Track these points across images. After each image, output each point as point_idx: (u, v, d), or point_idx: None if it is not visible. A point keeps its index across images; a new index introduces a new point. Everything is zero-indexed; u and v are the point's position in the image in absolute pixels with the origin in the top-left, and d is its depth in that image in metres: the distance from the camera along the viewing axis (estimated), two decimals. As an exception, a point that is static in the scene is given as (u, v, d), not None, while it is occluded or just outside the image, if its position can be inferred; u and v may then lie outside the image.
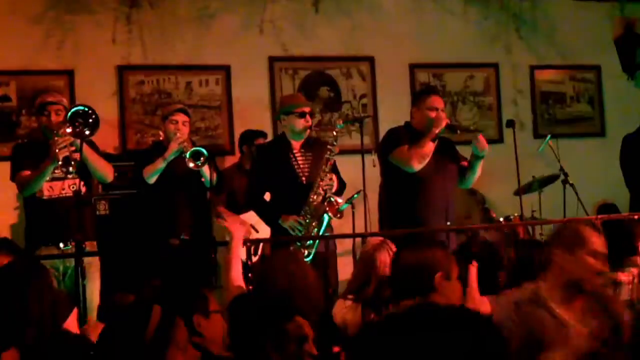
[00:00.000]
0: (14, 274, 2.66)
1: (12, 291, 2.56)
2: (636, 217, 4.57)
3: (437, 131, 4.61)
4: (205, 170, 4.80)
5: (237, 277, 3.31)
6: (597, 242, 2.89)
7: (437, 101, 4.79)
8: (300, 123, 4.79)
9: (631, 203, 5.85)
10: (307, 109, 4.83)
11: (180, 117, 5.01)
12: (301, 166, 4.82)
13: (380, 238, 3.90)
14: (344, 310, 3.45)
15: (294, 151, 4.85)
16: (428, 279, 2.77)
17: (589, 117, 7.56)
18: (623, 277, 3.66)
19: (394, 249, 3.55)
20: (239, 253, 3.49)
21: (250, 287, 3.25)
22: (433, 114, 4.71)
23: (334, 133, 4.75)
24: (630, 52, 7.45)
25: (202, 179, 4.93)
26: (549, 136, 6.12)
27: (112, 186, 5.26)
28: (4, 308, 2.53)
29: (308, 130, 4.85)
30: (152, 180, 4.90)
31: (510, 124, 4.79)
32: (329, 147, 4.71)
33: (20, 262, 3.02)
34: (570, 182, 5.97)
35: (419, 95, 4.92)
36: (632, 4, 7.51)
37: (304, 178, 4.78)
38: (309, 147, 4.87)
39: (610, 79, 7.55)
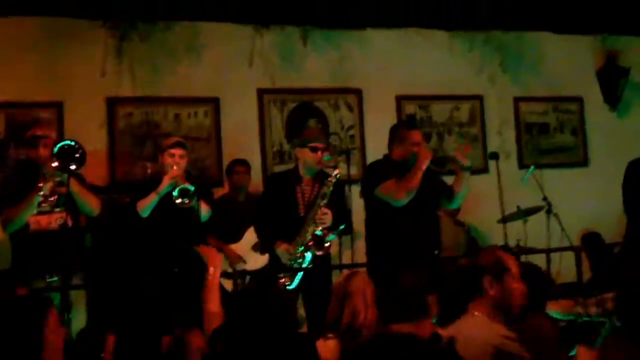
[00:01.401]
0: (32, 306, 2.66)
1: (29, 323, 2.56)
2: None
3: (424, 167, 4.67)
4: (201, 205, 4.81)
5: (214, 306, 3.34)
6: (516, 265, 3.04)
7: (417, 135, 4.88)
8: (311, 157, 4.91)
9: (627, 229, 5.89)
10: (320, 145, 4.94)
11: (178, 151, 5.00)
12: (305, 198, 4.94)
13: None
14: (324, 349, 3.45)
15: (302, 183, 4.97)
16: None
17: (572, 147, 7.69)
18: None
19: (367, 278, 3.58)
20: (217, 282, 3.52)
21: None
22: (416, 149, 4.78)
23: (336, 170, 4.89)
24: (612, 84, 7.60)
25: (194, 214, 4.91)
26: (532, 167, 6.22)
27: (100, 218, 5.25)
28: (18, 339, 2.52)
29: (319, 165, 4.95)
30: (146, 214, 4.89)
31: (494, 156, 4.86)
32: (325, 181, 4.85)
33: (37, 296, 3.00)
34: (554, 212, 6.05)
35: (401, 130, 4.97)
36: (613, 37, 7.67)
37: (302, 210, 4.89)
38: (317, 181, 4.97)
39: (593, 110, 7.71)
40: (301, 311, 4.74)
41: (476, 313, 2.97)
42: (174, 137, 5.62)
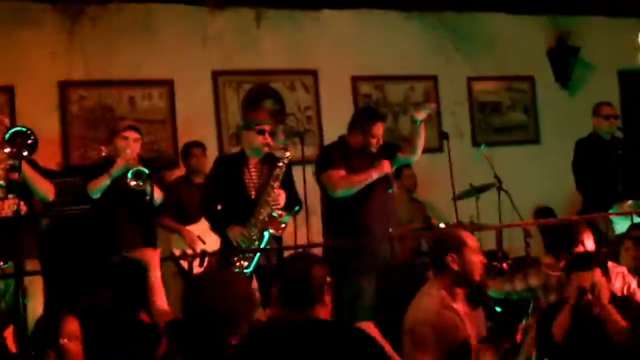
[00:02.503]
0: None
1: None
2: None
3: (376, 176, 4.78)
4: (154, 189, 4.80)
5: (161, 303, 3.37)
6: (474, 240, 3.40)
7: (381, 128, 4.94)
8: (258, 139, 4.87)
9: (584, 204, 6.07)
10: (267, 127, 4.91)
11: (132, 134, 4.95)
12: (254, 181, 4.90)
13: None
14: None
15: (250, 166, 4.93)
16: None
17: (524, 125, 7.84)
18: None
19: None
20: (159, 279, 3.53)
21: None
22: (374, 141, 4.87)
23: (286, 153, 4.86)
24: (563, 63, 7.75)
25: (147, 197, 4.92)
26: (482, 145, 6.35)
27: (54, 203, 5.22)
28: None
29: (266, 148, 4.93)
30: (96, 195, 4.85)
31: (445, 135, 4.96)
32: (278, 163, 4.83)
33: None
34: (505, 189, 6.18)
35: (365, 119, 4.98)
36: (564, 17, 7.81)
37: (253, 192, 4.87)
38: (265, 163, 4.95)
39: (544, 88, 7.86)
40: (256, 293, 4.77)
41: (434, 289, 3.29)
42: (128, 120, 5.61)
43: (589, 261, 3.56)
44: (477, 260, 3.32)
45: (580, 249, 3.99)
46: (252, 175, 4.91)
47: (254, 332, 2.87)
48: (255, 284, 4.81)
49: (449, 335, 3.11)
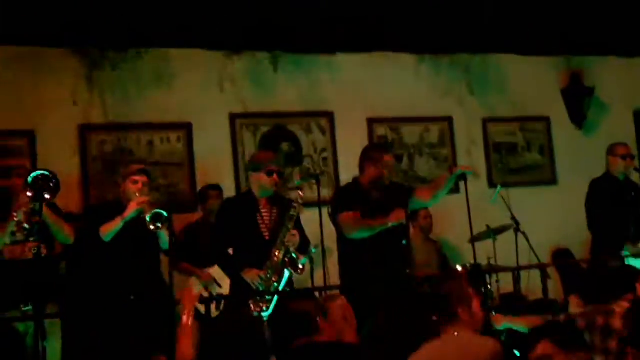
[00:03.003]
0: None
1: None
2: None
3: (391, 225, 4.81)
4: (164, 233, 4.81)
5: (187, 349, 3.38)
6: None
7: (391, 159, 5.08)
8: (267, 181, 4.88)
9: (593, 245, 6.04)
10: (275, 168, 4.94)
11: (142, 178, 4.98)
12: (266, 222, 4.90)
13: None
14: None
15: (260, 207, 4.93)
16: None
17: (540, 165, 7.84)
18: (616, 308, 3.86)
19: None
20: (190, 324, 3.54)
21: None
22: (386, 172, 4.96)
23: (299, 192, 4.88)
24: (577, 103, 7.77)
25: (159, 241, 4.92)
26: (499, 186, 6.34)
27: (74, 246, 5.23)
28: None
29: (275, 188, 4.96)
30: (109, 239, 4.81)
31: (462, 177, 4.96)
32: (293, 204, 4.83)
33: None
34: (522, 230, 6.15)
35: (374, 151, 5.11)
36: (577, 57, 7.86)
37: (267, 234, 4.86)
38: (274, 204, 4.97)
39: (560, 129, 7.87)
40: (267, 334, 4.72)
41: (456, 333, 3.34)
42: (136, 164, 5.63)
43: None
44: (481, 314, 3.47)
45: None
46: (263, 216, 4.91)
47: None
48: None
49: None
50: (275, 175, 4.90)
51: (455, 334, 3.35)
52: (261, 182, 4.92)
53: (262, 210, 4.93)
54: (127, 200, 4.83)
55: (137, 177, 4.96)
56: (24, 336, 4.38)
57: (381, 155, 5.02)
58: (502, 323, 4.41)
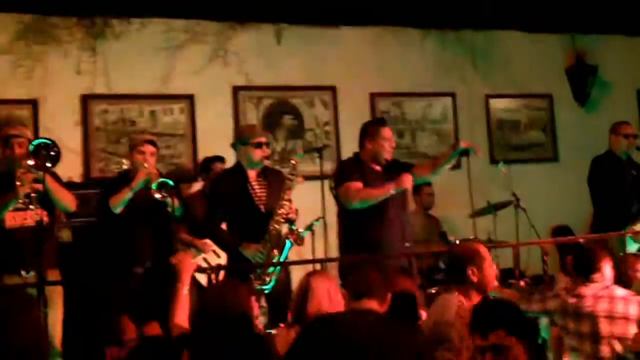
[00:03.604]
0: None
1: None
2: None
3: (393, 192, 4.76)
4: (174, 201, 4.86)
5: (181, 320, 3.40)
6: (488, 253, 3.73)
7: (389, 132, 4.99)
8: (257, 153, 4.86)
9: (594, 220, 6.06)
10: (263, 140, 4.92)
11: (148, 148, 5.03)
12: (258, 195, 4.88)
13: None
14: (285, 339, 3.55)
15: (251, 180, 4.91)
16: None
17: (542, 143, 7.85)
18: (586, 290, 3.91)
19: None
20: (185, 294, 3.56)
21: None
22: (386, 144, 4.89)
23: (293, 162, 4.86)
24: (581, 81, 7.76)
25: (168, 209, 4.97)
26: (501, 163, 6.34)
27: (75, 214, 5.29)
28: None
29: (265, 160, 4.96)
30: (118, 209, 4.87)
31: (465, 153, 4.96)
32: (288, 176, 4.81)
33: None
34: (522, 206, 6.17)
35: (373, 127, 5.06)
36: (582, 35, 7.83)
37: (262, 206, 4.85)
38: (265, 176, 4.95)
39: (562, 107, 7.87)
40: (263, 303, 4.76)
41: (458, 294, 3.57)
42: (143, 134, 5.69)
43: None
44: (492, 273, 3.65)
45: (598, 276, 3.97)
46: (255, 189, 4.89)
47: None
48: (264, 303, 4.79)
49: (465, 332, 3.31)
50: (264, 147, 4.90)
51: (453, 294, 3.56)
52: (250, 155, 4.88)
53: (254, 184, 4.90)
54: (136, 171, 4.88)
55: (144, 148, 5.01)
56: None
57: (377, 130, 4.98)
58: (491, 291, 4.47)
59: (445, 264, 3.96)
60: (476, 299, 3.53)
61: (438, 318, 3.48)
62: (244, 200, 4.85)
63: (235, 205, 4.85)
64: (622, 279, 4.17)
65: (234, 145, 5.03)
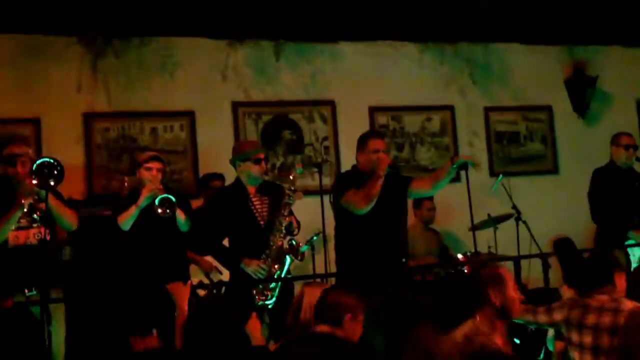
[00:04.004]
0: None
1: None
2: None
3: (380, 172, 4.72)
4: (179, 215, 4.89)
5: None
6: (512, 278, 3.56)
7: (378, 143, 4.92)
8: (256, 169, 4.91)
9: (597, 234, 6.06)
10: (262, 155, 4.96)
11: (155, 165, 5.07)
12: (259, 210, 4.91)
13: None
14: None
15: (251, 196, 4.94)
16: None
17: (542, 155, 7.86)
18: (593, 302, 3.89)
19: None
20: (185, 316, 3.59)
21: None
22: (374, 156, 4.82)
23: (291, 177, 4.88)
24: (580, 92, 7.78)
25: (176, 225, 4.99)
26: (500, 176, 6.37)
27: (78, 232, 5.29)
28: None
29: (264, 176, 4.98)
30: (127, 227, 4.92)
31: (464, 167, 4.97)
32: (287, 191, 4.83)
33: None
34: (523, 219, 6.19)
35: (362, 139, 5.04)
36: (580, 47, 7.86)
37: (262, 222, 4.88)
38: (265, 191, 4.98)
39: (562, 118, 7.88)
40: (266, 318, 4.78)
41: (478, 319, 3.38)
42: (149, 151, 5.72)
43: None
44: (515, 297, 3.45)
45: (609, 287, 3.95)
46: (255, 205, 4.91)
47: None
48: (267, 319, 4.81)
49: None
50: (262, 163, 4.94)
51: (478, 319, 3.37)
52: (250, 171, 4.93)
53: (254, 199, 4.93)
54: (141, 188, 4.90)
55: (150, 164, 5.05)
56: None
57: (365, 142, 4.96)
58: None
59: (463, 286, 3.88)
60: (500, 325, 3.39)
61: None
62: (245, 215, 4.88)
63: (235, 221, 4.88)
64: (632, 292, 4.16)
65: (232, 162, 5.04)
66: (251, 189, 4.96)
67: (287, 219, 4.81)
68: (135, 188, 5.10)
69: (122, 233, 4.95)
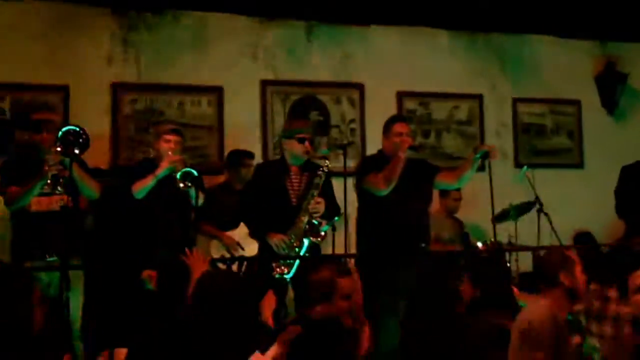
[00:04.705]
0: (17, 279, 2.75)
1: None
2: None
3: (401, 154, 4.79)
4: (195, 190, 4.92)
5: None
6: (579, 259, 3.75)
7: (402, 127, 5.00)
8: (299, 148, 4.99)
9: (626, 230, 6.03)
10: (307, 136, 5.03)
11: (174, 137, 5.05)
12: (295, 188, 5.00)
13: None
14: None
15: (291, 174, 5.03)
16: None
17: (568, 149, 7.80)
18: (612, 293, 3.91)
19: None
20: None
21: None
22: (397, 139, 4.90)
23: (326, 161, 4.95)
24: (610, 89, 7.70)
25: (191, 199, 5.04)
26: (525, 167, 6.34)
27: (100, 201, 5.33)
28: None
29: (306, 155, 5.03)
30: (141, 196, 4.93)
31: (486, 155, 4.95)
32: (318, 172, 4.91)
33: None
34: (545, 211, 6.15)
35: (387, 123, 5.11)
36: (613, 43, 7.77)
37: (294, 200, 4.96)
38: (306, 171, 5.05)
39: (590, 113, 7.81)
40: (291, 295, 4.84)
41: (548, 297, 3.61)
42: (169, 123, 5.75)
43: None
44: (583, 278, 3.67)
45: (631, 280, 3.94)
46: (293, 182, 5.00)
47: None
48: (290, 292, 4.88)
49: (562, 335, 3.45)
50: (307, 143, 4.99)
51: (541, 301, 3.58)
52: (293, 150, 5.02)
53: (293, 177, 5.03)
54: (160, 159, 4.92)
55: (169, 137, 5.04)
56: (46, 285, 4.51)
57: (389, 126, 5.03)
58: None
59: (535, 268, 3.96)
60: (566, 304, 3.60)
61: (532, 318, 3.51)
62: (279, 191, 4.97)
63: (269, 196, 4.98)
64: None
65: (279, 138, 5.10)
66: (293, 168, 5.04)
67: (315, 199, 4.85)
68: (154, 159, 5.10)
69: (136, 202, 4.94)
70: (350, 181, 5.27)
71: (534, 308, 3.59)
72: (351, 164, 6.06)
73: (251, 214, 5.14)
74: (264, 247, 4.99)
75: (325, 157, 4.99)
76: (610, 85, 7.70)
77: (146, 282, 4.33)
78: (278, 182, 4.99)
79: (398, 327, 4.60)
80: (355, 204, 5.19)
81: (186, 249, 3.90)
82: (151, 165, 4.98)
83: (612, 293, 3.88)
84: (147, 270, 4.23)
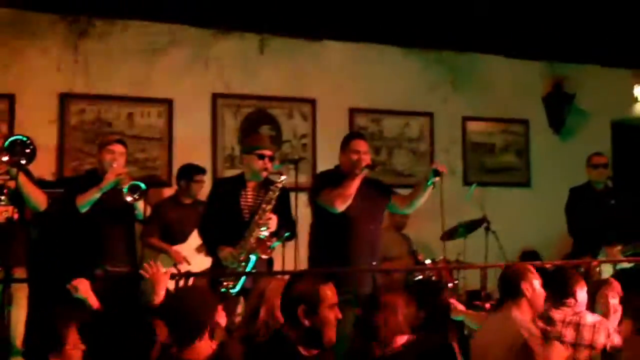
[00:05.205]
0: None
1: None
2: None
3: (357, 172, 4.78)
4: (140, 203, 4.86)
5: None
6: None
7: (359, 144, 4.95)
8: (258, 164, 4.94)
9: (573, 249, 6.17)
10: (267, 152, 4.97)
11: (118, 148, 5.04)
12: (249, 203, 4.95)
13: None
14: None
15: (247, 189, 4.98)
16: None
17: (516, 167, 7.93)
18: (556, 315, 3.95)
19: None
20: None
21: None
22: (355, 157, 4.88)
23: (281, 177, 4.90)
24: (557, 109, 7.87)
25: (135, 212, 5.00)
26: (474, 185, 6.41)
27: (45, 213, 5.22)
28: None
29: (265, 172, 4.99)
30: (85, 209, 4.90)
31: (437, 173, 4.98)
32: (271, 187, 4.88)
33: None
34: (492, 229, 6.23)
35: (344, 140, 5.09)
36: (561, 64, 7.94)
37: (247, 214, 4.91)
38: (263, 188, 5.00)
39: (538, 132, 7.96)
40: (240, 310, 4.79)
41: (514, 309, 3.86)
42: (113, 134, 5.69)
43: None
44: (542, 293, 3.94)
45: (571, 301, 4.00)
46: (248, 198, 4.95)
47: None
48: (240, 306, 4.83)
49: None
50: (266, 160, 4.94)
51: (513, 313, 3.81)
52: (251, 165, 4.97)
53: (249, 192, 4.98)
54: (104, 171, 4.85)
55: (113, 147, 5.00)
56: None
57: (347, 142, 5.00)
58: (459, 315, 4.51)
59: (499, 281, 4.06)
60: (528, 314, 3.84)
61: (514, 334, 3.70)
62: (233, 207, 4.92)
63: (224, 211, 4.94)
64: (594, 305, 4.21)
65: (240, 152, 5.07)
66: (251, 183, 5.00)
67: (267, 214, 4.81)
68: (96, 170, 5.07)
69: (80, 214, 4.88)
70: (302, 196, 5.26)
71: (510, 323, 3.78)
72: (303, 179, 6.07)
73: (208, 229, 5.09)
74: (217, 262, 4.94)
75: (280, 173, 4.95)
76: (557, 105, 7.87)
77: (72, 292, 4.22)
78: (232, 198, 4.95)
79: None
80: (306, 220, 5.17)
81: (145, 264, 3.86)
82: (96, 177, 4.91)
83: (557, 314, 3.93)
84: (75, 280, 4.16)
